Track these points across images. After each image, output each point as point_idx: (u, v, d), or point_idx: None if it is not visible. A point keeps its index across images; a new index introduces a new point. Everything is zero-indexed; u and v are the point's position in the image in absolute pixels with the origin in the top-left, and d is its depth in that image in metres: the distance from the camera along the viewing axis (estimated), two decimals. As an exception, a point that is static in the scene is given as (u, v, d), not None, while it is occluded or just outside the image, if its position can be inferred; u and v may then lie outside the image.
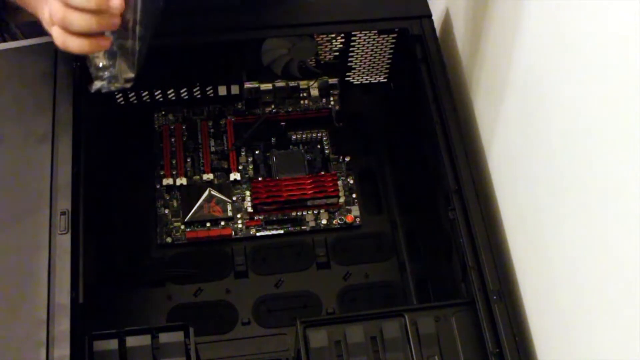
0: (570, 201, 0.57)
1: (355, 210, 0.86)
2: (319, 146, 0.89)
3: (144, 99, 0.88)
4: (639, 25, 0.45)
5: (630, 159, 0.46)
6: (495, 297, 0.65)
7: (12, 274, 0.63)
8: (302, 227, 0.84)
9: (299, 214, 0.85)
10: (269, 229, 0.84)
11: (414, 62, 0.79)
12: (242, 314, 0.79)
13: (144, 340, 0.63)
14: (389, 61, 0.88)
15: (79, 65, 0.71)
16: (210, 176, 0.86)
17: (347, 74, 0.89)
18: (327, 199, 0.83)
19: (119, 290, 0.79)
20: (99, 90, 0.63)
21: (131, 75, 0.63)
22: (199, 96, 0.88)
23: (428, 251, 0.83)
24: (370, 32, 0.82)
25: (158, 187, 0.85)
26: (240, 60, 0.84)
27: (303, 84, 0.88)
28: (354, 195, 0.87)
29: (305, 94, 0.89)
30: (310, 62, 0.85)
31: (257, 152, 0.88)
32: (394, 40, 0.84)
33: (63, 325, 0.61)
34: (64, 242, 0.64)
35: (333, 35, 0.82)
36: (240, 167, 0.87)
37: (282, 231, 0.84)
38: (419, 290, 0.82)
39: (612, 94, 0.49)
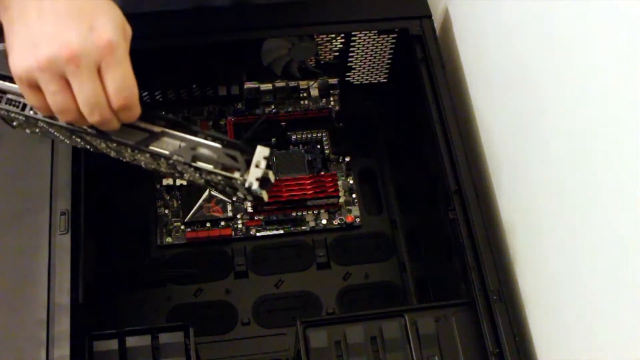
0: (570, 201, 0.57)
1: (355, 210, 0.86)
2: (319, 146, 0.89)
3: (144, 99, 0.87)
4: (638, 25, 0.45)
5: (630, 159, 0.46)
6: (495, 297, 0.65)
7: (12, 274, 0.63)
8: (302, 227, 0.84)
9: (298, 214, 0.84)
10: (269, 229, 0.84)
11: (414, 62, 0.79)
12: (242, 314, 0.79)
13: (144, 340, 0.63)
14: (389, 61, 0.88)
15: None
16: (210, 176, 0.85)
17: (347, 74, 0.89)
18: (328, 199, 0.83)
19: (119, 290, 0.79)
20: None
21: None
22: (199, 96, 0.88)
23: (428, 251, 0.83)
24: (370, 32, 0.82)
25: (158, 187, 0.85)
26: (240, 60, 0.84)
27: (303, 84, 0.88)
28: (354, 195, 0.87)
29: (305, 94, 0.89)
30: (310, 62, 0.85)
31: (257, 152, 0.88)
32: (394, 41, 0.84)
33: (63, 325, 0.61)
34: (64, 242, 0.64)
35: (333, 35, 0.82)
36: (240, 167, 0.86)
37: (282, 231, 0.84)
38: (419, 290, 0.82)
39: (611, 93, 0.49)
